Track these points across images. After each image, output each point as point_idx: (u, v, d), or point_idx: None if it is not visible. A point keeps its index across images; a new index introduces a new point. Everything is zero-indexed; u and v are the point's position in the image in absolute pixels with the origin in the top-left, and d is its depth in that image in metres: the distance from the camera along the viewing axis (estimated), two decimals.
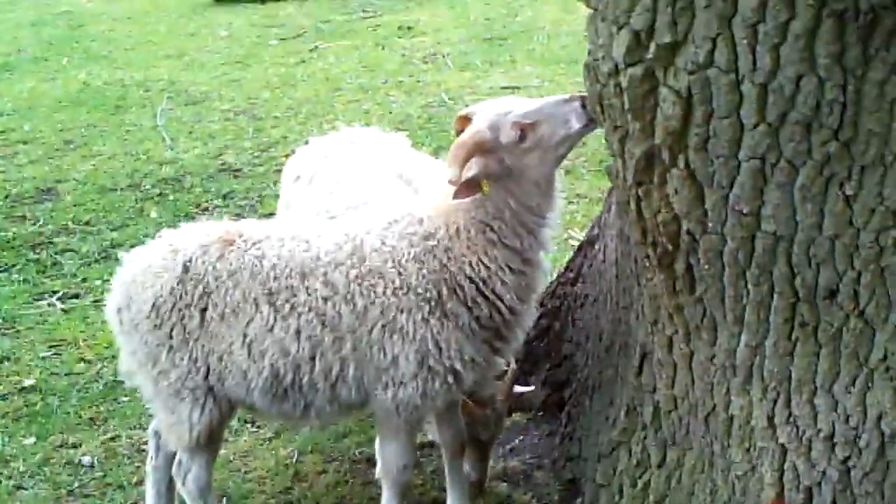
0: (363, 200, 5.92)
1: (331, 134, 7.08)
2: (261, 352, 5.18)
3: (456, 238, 5.10)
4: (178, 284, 5.22)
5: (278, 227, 5.54)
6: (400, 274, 5.10)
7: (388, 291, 5.10)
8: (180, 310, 5.22)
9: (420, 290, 5.09)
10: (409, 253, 5.12)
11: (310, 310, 5.13)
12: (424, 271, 5.10)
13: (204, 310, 5.22)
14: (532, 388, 6.44)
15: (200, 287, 5.21)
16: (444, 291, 5.11)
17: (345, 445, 6.90)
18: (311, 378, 5.19)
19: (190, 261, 5.25)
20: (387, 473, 5.60)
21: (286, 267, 5.18)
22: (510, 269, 5.13)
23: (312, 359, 5.16)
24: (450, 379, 5.20)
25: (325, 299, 5.12)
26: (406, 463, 5.55)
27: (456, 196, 4.93)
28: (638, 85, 4.64)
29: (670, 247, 4.93)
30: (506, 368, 5.93)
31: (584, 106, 4.98)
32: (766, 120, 4.41)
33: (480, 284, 5.12)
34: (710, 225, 4.75)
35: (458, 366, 5.17)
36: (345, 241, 5.22)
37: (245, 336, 5.19)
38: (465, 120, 5.15)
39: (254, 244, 5.28)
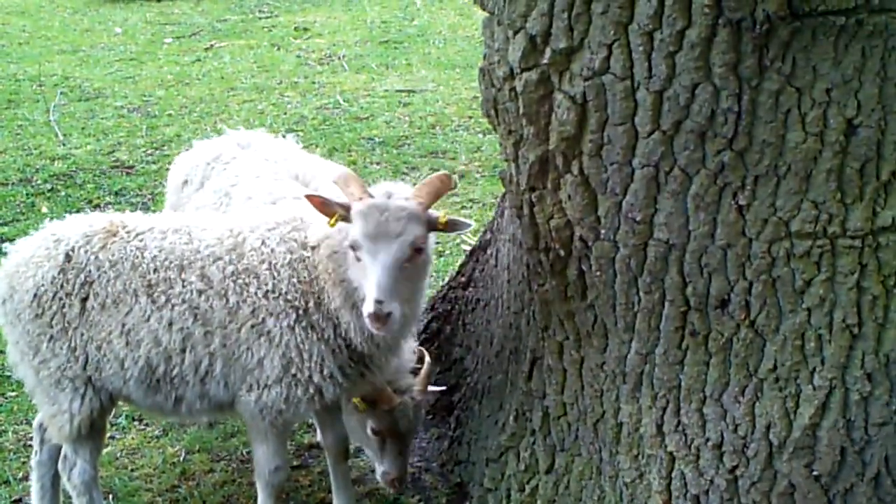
0: (265, 201, 5.83)
1: (215, 138, 6.98)
2: (137, 342, 5.15)
3: (323, 260, 5.06)
4: (59, 273, 5.17)
5: (163, 219, 5.49)
6: (273, 277, 5.08)
7: (260, 293, 5.08)
8: (61, 299, 5.18)
9: (289, 297, 5.07)
10: (284, 258, 5.10)
11: (183, 302, 5.11)
12: (295, 280, 5.08)
13: (84, 299, 5.18)
14: (444, 387, 6.38)
15: (82, 276, 5.17)
16: (311, 303, 5.08)
17: (232, 445, 6.83)
18: (182, 371, 5.17)
19: (72, 250, 5.21)
20: (260, 475, 5.55)
21: (166, 259, 5.16)
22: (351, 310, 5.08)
23: (183, 351, 5.14)
24: (311, 389, 5.17)
25: (200, 293, 5.11)
26: (278, 465, 5.49)
27: (310, 194, 4.93)
28: (533, 90, 4.62)
29: (563, 252, 4.91)
30: (419, 367, 5.90)
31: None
32: (661, 128, 4.41)
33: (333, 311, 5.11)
34: (602, 231, 4.74)
35: (316, 378, 5.15)
36: (227, 236, 5.20)
37: (124, 326, 5.15)
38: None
39: (137, 236, 5.25)
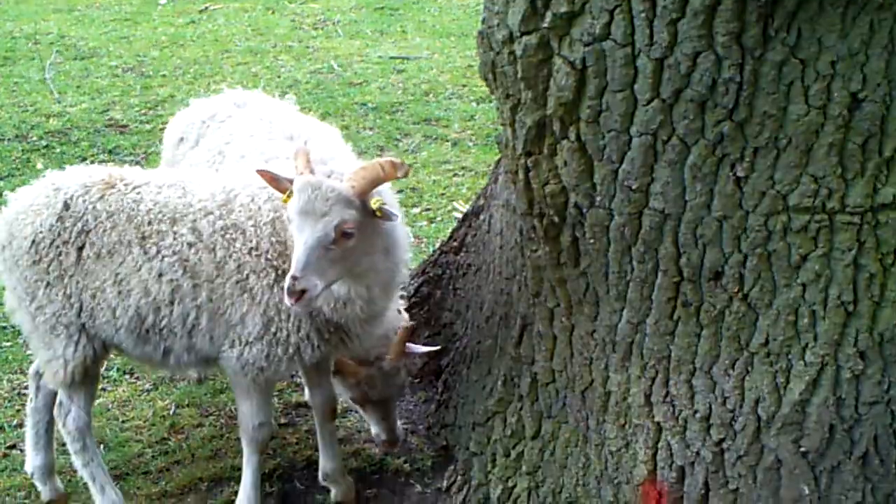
0: (258, 160, 5.81)
1: (213, 96, 6.96)
2: (128, 291, 5.23)
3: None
4: (57, 221, 5.27)
5: (160, 174, 5.59)
6: (257, 234, 5.11)
7: (245, 249, 5.11)
8: (58, 246, 5.27)
9: (269, 256, 5.10)
10: (268, 216, 5.13)
11: (174, 254, 5.18)
12: (274, 239, 5.11)
13: (81, 248, 5.28)
14: (437, 347, 6.37)
15: (79, 225, 5.27)
16: (288, 264, 5.01)
17: (221, 401, 6.94)
18: (170, 322, 5.24)
19: (71, 199, 5.30)
20: (244, 431, 5.60)
21: (160, 212, 5.24)
22: None
23: (172, 303, 5.21)
24: (290, 349, 5.21)
25: (190, 245, 5.17)
26: (261, 421, 5.54)
27: (261, 169, 4.94)
28: (532, 54, 4.57)
29: (557, 219, 4.88)
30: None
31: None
32: (661, 96, 4.37)
33: None
34: (597, 199, 4.71)
35: (293, 338, 5.19)
36: (220, 191, 5.25)
37: (117, 275, 5.24)
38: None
39: (134, 188, 5.34)
